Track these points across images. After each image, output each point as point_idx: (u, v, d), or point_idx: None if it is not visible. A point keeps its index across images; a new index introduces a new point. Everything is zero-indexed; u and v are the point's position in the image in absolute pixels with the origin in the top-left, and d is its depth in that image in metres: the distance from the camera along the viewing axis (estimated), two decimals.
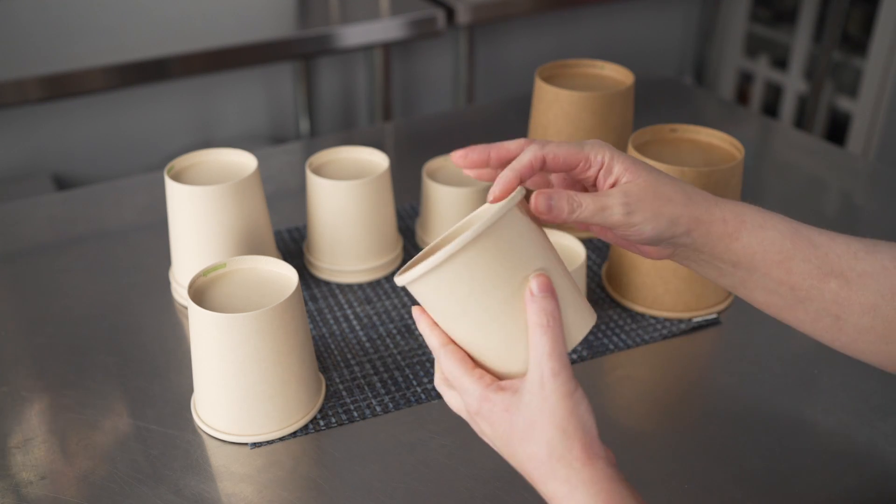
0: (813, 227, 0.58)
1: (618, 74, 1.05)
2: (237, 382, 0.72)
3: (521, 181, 0.57)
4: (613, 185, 0.58)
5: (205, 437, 0.75)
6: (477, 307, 0.54)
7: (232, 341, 0.70)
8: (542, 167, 0.58)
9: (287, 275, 0.76)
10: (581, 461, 0.53)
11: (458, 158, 0.59)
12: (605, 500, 0.52)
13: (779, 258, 0.57)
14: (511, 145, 0.58)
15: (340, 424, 0.76)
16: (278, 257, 0.94)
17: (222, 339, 0.70)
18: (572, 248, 0.88)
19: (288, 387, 0.74)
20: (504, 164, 0.59)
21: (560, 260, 0.57)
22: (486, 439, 0.58)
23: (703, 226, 0.57)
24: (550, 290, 0.54)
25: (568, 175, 0.61)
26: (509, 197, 0.54)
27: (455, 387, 0.57)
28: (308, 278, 0.97)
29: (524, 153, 0.57)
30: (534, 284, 0.53)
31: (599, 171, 0.58)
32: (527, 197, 0.58)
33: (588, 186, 0.60)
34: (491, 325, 0.54)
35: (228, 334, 0.70)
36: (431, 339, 0.57)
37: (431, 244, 0.60)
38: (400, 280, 0.54)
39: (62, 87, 1.46)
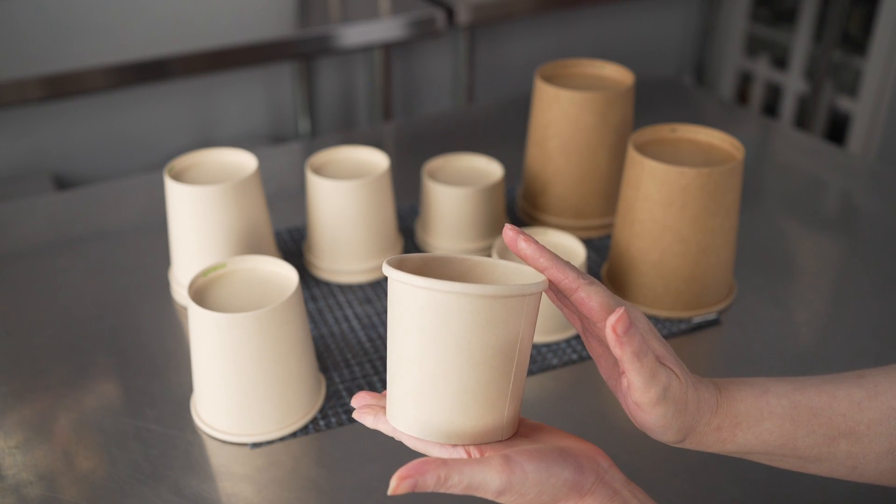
0: (812, 384, 0.56)
1: (618, 74, 1.05)
2: (237, 382, 0.72)
3: (543, 269, 0.53)
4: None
5: (205, 437, 0.75)
6: (449, 351, 0.49)
7: (232, 341, 0.70)
8: (572, 296, 0.53)
9: (287, 275, 0.76)
10: None
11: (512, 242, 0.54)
12: None
13: (780, 442, 0.56)
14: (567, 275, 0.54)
15: (340, 424, 0.76)
16: (278, 257, 0.94)
17: (222, 339, 0.70)
18: (572, 248, 0.88)
19: (288, 387, 0.74)
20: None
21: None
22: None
23: (697, 436, 0.55)
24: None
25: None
26: (544, 280, 0.51)
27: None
28: (308, 278, 0.97)
29: (566, 269, 0.53)
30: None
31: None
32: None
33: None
34: (447, 375, 0.49)
35: (228, 334, 0.70)
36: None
37: (444, 253, 0.54)
38: (394, 274, 0.49)
39: (62, 87, 1.46)
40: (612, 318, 0.50)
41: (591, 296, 0.53)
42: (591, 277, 0.54)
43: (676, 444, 0.56)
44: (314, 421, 0.77)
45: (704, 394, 0.55)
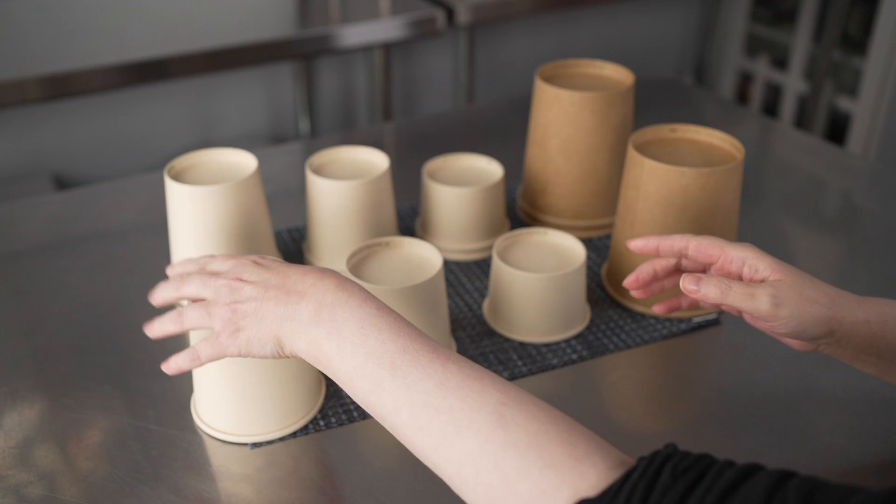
0: None
1: (618, 74, 1.05)
2: (237, 382, 0.72)
3: (659, 250, 0.72)
4: (763, 281, 0.63)
5: (205, 437, 0.75)
6: None
7: None
8: (684, 254, 0.69)
9: None
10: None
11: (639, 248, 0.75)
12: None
13: None
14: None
15: (340, 424, 0.76)
16: (279, 257, 0.94)
17: None
18: (572, 248, 0.88)
19: (288, 387, 0.74)
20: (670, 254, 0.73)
21: None
22: (240, 275, 0.63)
23: (846, 327, 0.61)
24: None
25: (709, 269, 0.70)
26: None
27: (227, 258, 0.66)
28: None
29: (674, 238, 0.70)
30: None
31: (743, 266, 0.65)
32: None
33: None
34: None
35: None
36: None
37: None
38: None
39: (62, 87, 1.46)
40: (681, 282, 0.64)
41: (701, 241, 0.69)
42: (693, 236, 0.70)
43: (831, 344, 0.63)
44: (314, 421, 0.77)
45: (830, 289, 0.62)
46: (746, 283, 0.63)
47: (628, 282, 0.75)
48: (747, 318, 0.68)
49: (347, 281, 0.61)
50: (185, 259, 0.69)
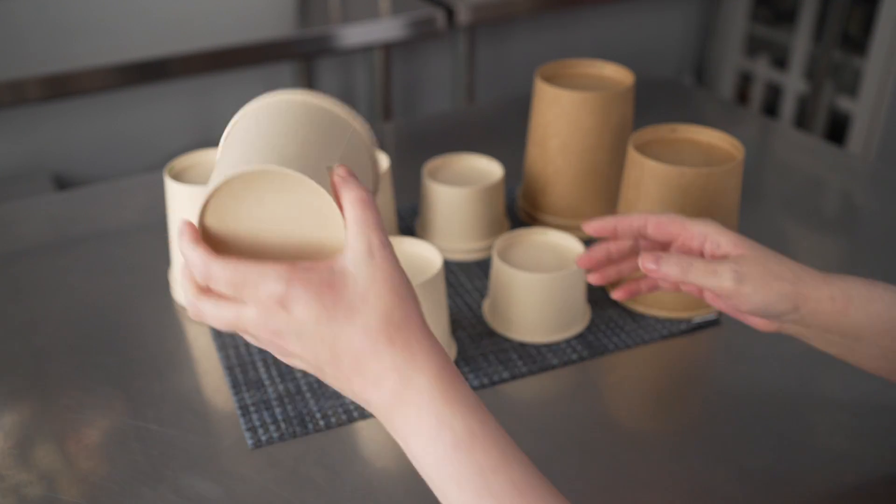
0: None
1: (618, 74, 1.05)
2: None
3: (616, 231, 0.69)
4: (724, 257, 0.61)
5: (205, 437, 0.75)
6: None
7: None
8: (643, 234, 0.67)
9: None
10: (421, 330, 0.50)
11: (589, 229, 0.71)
12: (446, 368, 0.50)
13: (886, 328, 0.59)
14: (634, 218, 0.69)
15: (340, 424, 0.76)
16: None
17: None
18: (572, 249, 0.88)
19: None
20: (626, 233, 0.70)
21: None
22: (280, 341, 0.50)
23: (810, 304, 0.59)
24: (355, 177, 0.53)
25: (672, 246, 0.67)
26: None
27: (246, 284, 0.49)
28: None
29: (632, 217, 0.68)
30: (342, 171, 0.52)
31: (704, 242, 0.63)
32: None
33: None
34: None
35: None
36: (195, 255, 0.50)
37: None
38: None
39: (62, 87, 1.46)
40: (640, 261, 0.61)
41: (660, 218, 0.65)
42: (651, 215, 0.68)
43: (795, 322, 0.61)
44: (314, 421, 0.77)
45: (794, 264, 0.60)
46: (708, 260, 0.60)
47: (580, 260, 0.72)
48: (709, 297, 0.66)
49: (410, 368, 0.50)
50: (188, 296, 0.53)
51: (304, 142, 0.53)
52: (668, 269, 0.60)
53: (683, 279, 0.60)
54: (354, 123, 0.57)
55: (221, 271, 0.49)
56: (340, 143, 0.55)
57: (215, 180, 0.51)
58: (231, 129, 0.57)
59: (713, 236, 0.62)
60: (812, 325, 0.61)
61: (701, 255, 0.64)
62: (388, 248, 0.50)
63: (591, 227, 0.71)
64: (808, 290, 0.59)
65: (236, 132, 0.56)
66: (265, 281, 0.48)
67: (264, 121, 0.55)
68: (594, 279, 0.72)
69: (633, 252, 0.72)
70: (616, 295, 0.75)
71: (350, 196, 0.51)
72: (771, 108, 2.60)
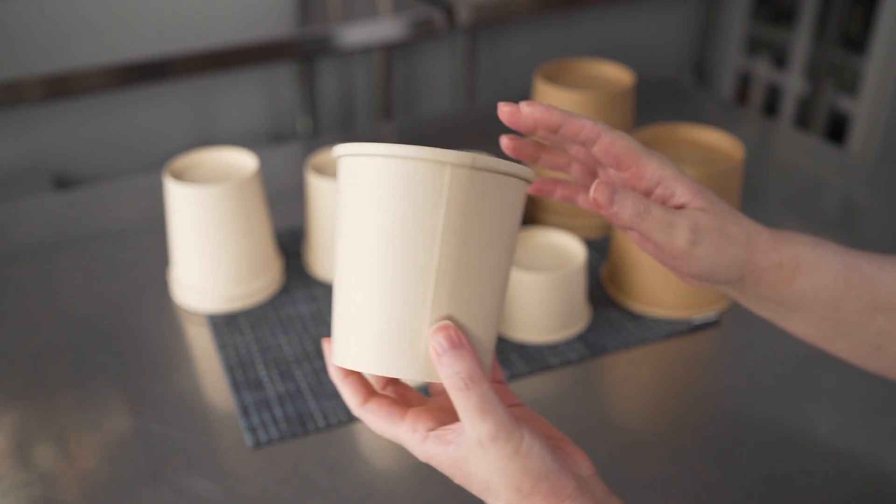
0: (863, 254, 0.55)
1: (618, 74, 1.05)
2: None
3: (560, 131, 0.51)
4: (678, 208, 0.52)
5: (205, 437, 0.75)
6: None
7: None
8: (588, 147, 0.52)
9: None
10: None
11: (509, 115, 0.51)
12: None
13: (829, 298, 0.54)
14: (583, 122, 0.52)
15: (340, 424, 0.76)
16: (279, 257, 0.94)
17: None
18: (572, 248, 0.88)
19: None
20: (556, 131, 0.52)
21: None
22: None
23: (756, 273, 0.53)
24: (462, 344, 0.45)
25: (618, 175, 0.54)
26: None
27: (393, 440, 0.50)
28: (308, 278, 0.97)
29: (582, 119, 0.51)
30: (440, 339, 0.45)
31: (657, 187, 0.52)
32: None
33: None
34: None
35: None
36: (350, 399, 0.51)
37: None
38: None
39: (62, 87, 1.46)
40: (591, 190, 0.49)
41: (614, 140, 0.50)
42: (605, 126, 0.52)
43: (740, 290, 0.54)
44: (314, 421, 0.77)
45: (749, 225, 0.53)
46: (667, 209, 0.51)
47: (501, 111, 0.51)
48: (649, 247, 0.55)
49: None
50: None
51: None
52: (622, 209, 0.49)
53: (634, 226, 0.50)
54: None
55: (371, 420, 0.50)
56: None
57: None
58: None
59: (668, 182, 0.52)
60: (751, 293, 0.55)
61: (647, 196, 0.53)
62: (499, 438, 0.45)
63: (530, 111, 0.50)
64: (757, 258, 0.53)
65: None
66: (407, 446, 0.49)
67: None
68: (508, 147, 0.56)
69: (563, 152, 0.59)
70: (549, 190, 0.60)
71: (446, 380, 0.45)
72: (771, 107, 2.60)
